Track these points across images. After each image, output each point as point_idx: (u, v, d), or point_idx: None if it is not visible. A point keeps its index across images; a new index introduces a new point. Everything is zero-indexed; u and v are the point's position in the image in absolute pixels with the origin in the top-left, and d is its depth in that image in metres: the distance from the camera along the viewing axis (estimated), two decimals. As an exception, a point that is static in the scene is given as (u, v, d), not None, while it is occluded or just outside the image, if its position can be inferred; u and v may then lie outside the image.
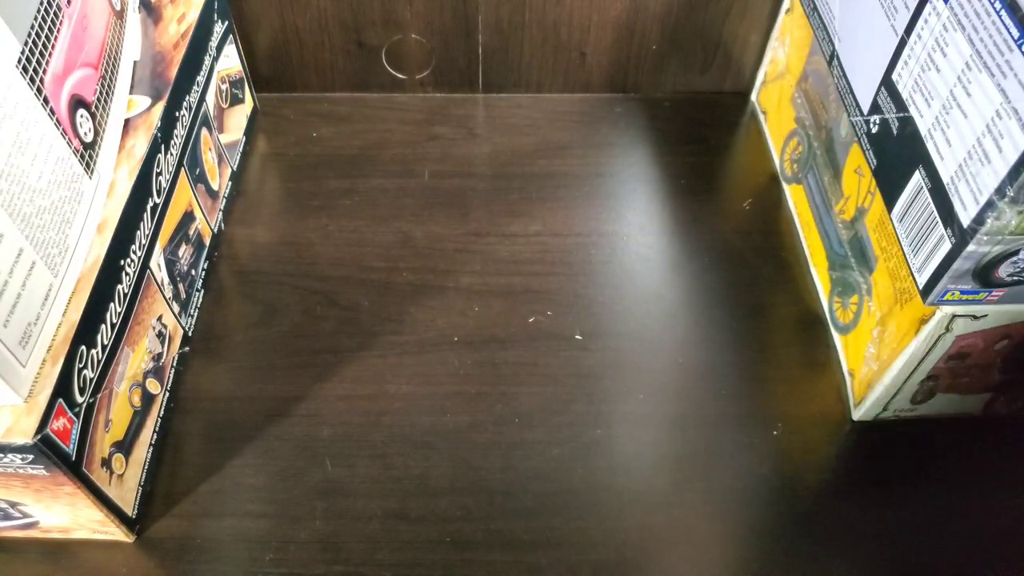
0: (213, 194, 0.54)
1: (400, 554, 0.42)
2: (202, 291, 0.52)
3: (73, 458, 0.36)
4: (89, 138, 0.40)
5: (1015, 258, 0.36)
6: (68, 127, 0.38)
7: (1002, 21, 0.33)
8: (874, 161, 0.44)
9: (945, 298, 0.39)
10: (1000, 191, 0.33)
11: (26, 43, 0.35)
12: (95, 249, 0.40)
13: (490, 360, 0.49)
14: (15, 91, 0.34)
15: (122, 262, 0.41)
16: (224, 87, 0.56)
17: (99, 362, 0.39)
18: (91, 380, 0.38)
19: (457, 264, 0.54)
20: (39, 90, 0.36)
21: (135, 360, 0.42)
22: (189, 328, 0.49)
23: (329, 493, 0.44)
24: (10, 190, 0.34)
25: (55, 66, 0.38)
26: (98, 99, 0.42)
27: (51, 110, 0.37)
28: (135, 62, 0.47)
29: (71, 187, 0.38)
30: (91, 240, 0.40)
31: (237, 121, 0.59)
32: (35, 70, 0.36)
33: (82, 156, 0.40)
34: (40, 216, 0.36)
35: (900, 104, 0.41)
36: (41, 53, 0.36)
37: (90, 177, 0.40)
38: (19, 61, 0.35)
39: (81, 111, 0.40)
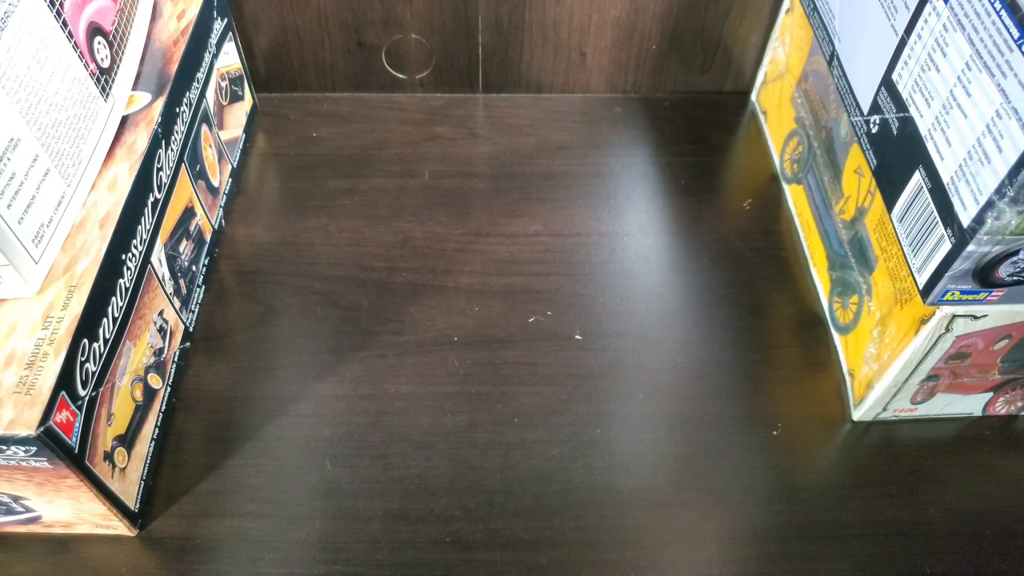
0: (213, 190, 0.54)
1: (400, 554, 0.42)
2: (203, 287, 0.51)
3: (76, 451, 0.36)
4: (106, 64, 0.44)
5: (1015, 258, 0.36)
6: (86, 51, 0.42)
7: (1002, 21, 0.33)
8: (874, 161, 0.44)
9: (945, 298, 0.39)
10: (1000, 191, 0.34)
11: None
12: (97, 243, 0.40)
13: (490, 360, 0.49)
14: (34, 11, 0.38)
15: (123, 256, 0.41)
16: (224, 84, 0.56)
17: (101, 355, 0.39)
18: (93, 373, 0.38)
19: (457, 264, 0.54)
20: (59, 13, 0.40)
21: (137, 354, 0.42)
22: (190, 324, 0.49)
23: (329, 493, 0.44)
24: (28, 100, 0.37)
25: None
26: (116, 30, 0.45)
27: (69, 33, 0.41)
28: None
29: (86, 106, 0.42)
30: (102, 158, 0.43)
31: (237, 118, 0.59)
32: None
33: (98, 80, 0.43)
34: (56, 128, 0.39)
35: (900, 104, 0.41)
36: None
37: (105, 100, 0.43)
38: None
39: (99, 38, 0.43)
